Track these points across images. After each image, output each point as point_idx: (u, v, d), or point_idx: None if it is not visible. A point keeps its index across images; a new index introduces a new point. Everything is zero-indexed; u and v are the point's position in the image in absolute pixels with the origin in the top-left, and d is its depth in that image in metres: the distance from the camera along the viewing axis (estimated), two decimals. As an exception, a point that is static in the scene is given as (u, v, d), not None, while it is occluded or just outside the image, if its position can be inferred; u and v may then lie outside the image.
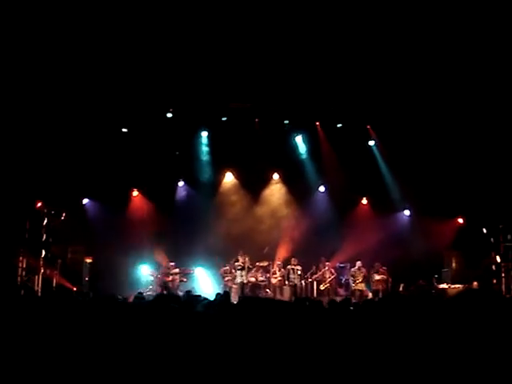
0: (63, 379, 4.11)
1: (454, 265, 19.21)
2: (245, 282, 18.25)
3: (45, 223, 17.51)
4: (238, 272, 18.37)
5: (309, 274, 18.72)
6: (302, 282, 18.63)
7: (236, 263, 18.47)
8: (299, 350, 4.24)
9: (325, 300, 12.58)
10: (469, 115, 17.25)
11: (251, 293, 17.83)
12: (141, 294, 11.42)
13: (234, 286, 18.24)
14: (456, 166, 18.12)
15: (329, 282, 18.50)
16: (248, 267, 18.42)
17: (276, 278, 18.57)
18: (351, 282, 18.62)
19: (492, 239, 18.18)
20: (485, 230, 18.33)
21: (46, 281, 17.13)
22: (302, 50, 15.95)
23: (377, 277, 18.39)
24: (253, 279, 18.43)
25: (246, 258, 18.50)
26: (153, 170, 18.95)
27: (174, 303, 5.23)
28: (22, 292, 12.87)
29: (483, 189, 17.64)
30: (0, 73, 14.95)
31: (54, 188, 17.27)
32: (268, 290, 18.35)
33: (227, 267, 18.62)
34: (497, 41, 14.70)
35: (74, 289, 16.96)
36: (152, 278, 18.34)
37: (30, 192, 16.82)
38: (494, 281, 17.83)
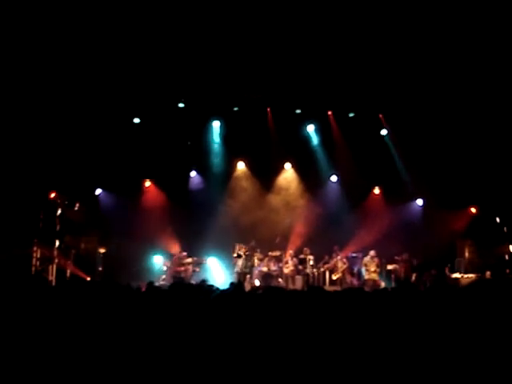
0: (75, 367, 4.16)
1: (466, 254, 19.14)
2: (240, 271, 18.22)
3: (58, 213, 17.61)
4: (238, 261, 18.38)
5: (321, 263, 18.73)
6: (315, 271, 18.65)
7: (236, 253, 18.47)
8: (309, 339, 4.26)
9: (337, 289, 12.59)
10: (483, 104, 17.14)
11: (264, 282, 17.87)
12: (152, 282, 11.46)
13: (247, 275, 18.30)
14: (469, 155, 18.03)
15: (341, 272, 18.49)
16: (245, 254, 18.35)
17: (288, 267, 18.58)
18: (364, 271, 18.59)
19: (505, 228, 18.10)
20: (498, 220, 18.26)
21: (60, 271, 17.25)
22: (314, 40, 15.90)
23: (389, 266, 18.38)
24: (265, 269, 18.46)
25: (243, 247, 18.51)
26: (165, 161, 19.02)
27: (187, 293, 5.26)
28: (36, 282, 12.97)
29: (496, 178, 17.56)
30: (14, 63, 15.03)
31: (68, 178, 17.39)
32: (280, 280, 18.37)
33: (240, 256, 18.66)
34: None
35: (88, 279, 17.09)
36: (165, 268, 18.42)
37: (43, 182, 16.93)
38: (508, 270, 17.75)
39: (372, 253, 18.20)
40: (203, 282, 11.56)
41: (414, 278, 18.00)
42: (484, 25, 14.62)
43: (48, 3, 13.98)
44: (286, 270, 18.54)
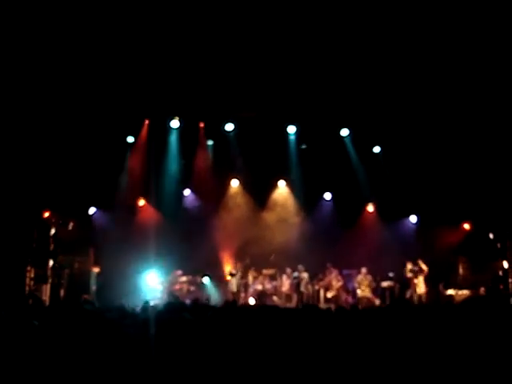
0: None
1: (461, 271, 19.16)
2: (234, 291, 18.22)
3: (52, 233, 17.56)
4: (232, 280, 18.40)
5: (315, 281, 18.69)
6: (309, 288, 18.59)
7: (230, 272, 18.51)
8: (304, 357, 4.26)
9: (332, 307, 12.56)
10: (475, 121, 17.24)
11: (258, 301, 17.83)
12: (147, 302, 11.43)
13: (241, 293, 18.27)
14: (462, 171, 18.11)
15: (336, 289, 18.44)
16: (239, 273, 18.39)
17: (282, 285, 18.56)
18: (357, 289, 18.54)
19: (499, 244, 18.13)
20: (491, 236, 18.28)
21: (54, 290, 17.17)
22: (306, 58, 16.02)
23: (384, 284, 18.35)
24: (260, 287, 18.43)
25: (237, 265, 18.58)
26: (159, 179, 19.06)
27: (182, 312, 5.26)
28: (30, 301, 12.90)
29: (490, 194, 17.62)
30: (9, 83, 15.06)
31: (62, 198, 17.36)
32: (275, 298, 18.32)
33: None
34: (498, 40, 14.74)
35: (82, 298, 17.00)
36: (160, 287, 18.36)
37: (37, 202, 16.90)
38: (501, 286, 17.76)
39: (364, 270, 18.20)
40: (207, 300, 11.50)
41: (408, 294, 17.96)
42: (478, 36, 14.74)
43: (39, 23, 14.06)
44: (283, 289, 18.51)
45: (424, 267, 17.82)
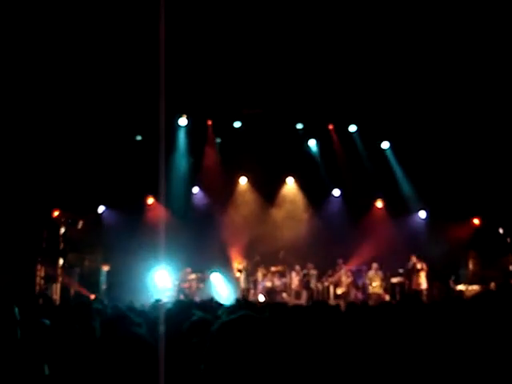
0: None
1: (470, 266, 19.09)
2: (243, 287, 18.27)
3: (62, 232, 17.63)
4: (240, 277, 18.46)
5: (325, 277, 18.66)
6: (319, 285, 18.57)
7: (237, 269, 18.59)
8: (315, 354, 4.25)
9: (342, 304, 12.51)
10: (484, 116, 17.17)
11: (268, 297, 17.84)
12: (158, 300, 11.42)
13: (251, 290, 18.29)
14: (472, 166, 18.03)
15: (346, 286, 18.40)
16: (246, 270, 18.44)
17: (292, 282, 18.55)
18: (368, 285, 18.48)
19: (508, 239, 18.05)
20: (501, 231, 18.20)
21: (64, 289, 17.24)
22: (314, 55, 16.00)
23: (394, 280, 18.29)
24: (269, 284, 18.42)
25: (244, 262, 18.65)
26: (168, 177, 19.06)
27: (192, 309, 5.25)
28: (41, 301, 12.94)
29: (499, 189, 17.54)
30: (19, 82, 15.12)
31: (71, 197, 17.41)
32: (284, 295, 18.31)
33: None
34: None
35: (92, 297, 17.06)
36: (169, 285, 18.37)
37: (46, 201, 16.96)
38: (512, 281, 17.70)
39: (375, 266, 18.10)
40: (211, 301, 11.46)
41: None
42: (484, 27, 14.67)
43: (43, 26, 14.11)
44: (292, 286, 18.50)
45: (422, 265, 17.73)
